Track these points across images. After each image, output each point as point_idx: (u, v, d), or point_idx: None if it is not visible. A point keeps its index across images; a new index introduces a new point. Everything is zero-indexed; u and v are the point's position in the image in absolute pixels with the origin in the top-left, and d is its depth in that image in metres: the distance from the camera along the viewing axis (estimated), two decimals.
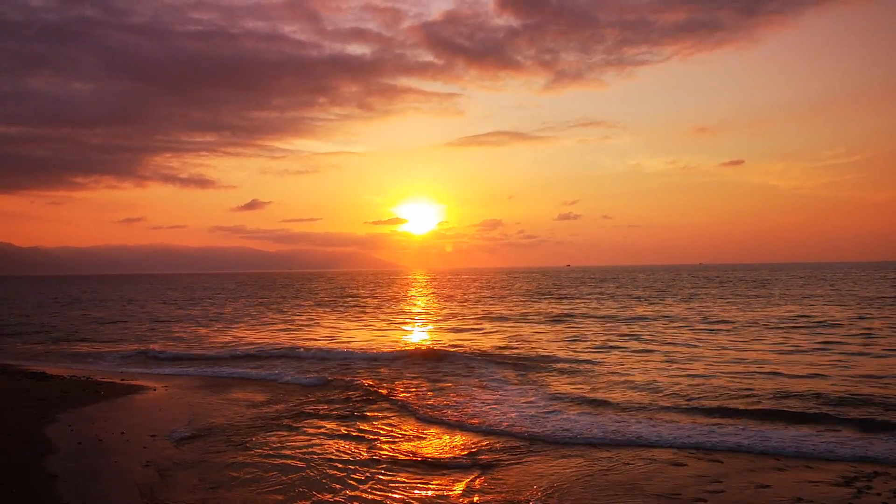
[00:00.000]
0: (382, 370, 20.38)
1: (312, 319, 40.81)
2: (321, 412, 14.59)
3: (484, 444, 11.71)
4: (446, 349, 23.91)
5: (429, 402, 15.19)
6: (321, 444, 11.84)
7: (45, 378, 19.04)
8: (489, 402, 15.13)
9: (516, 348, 24.40)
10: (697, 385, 16.58)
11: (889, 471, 9.89)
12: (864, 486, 9.19)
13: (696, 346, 24.13)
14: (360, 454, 11.14)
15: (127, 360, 24.62)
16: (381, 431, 12.76)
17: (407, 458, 10.93)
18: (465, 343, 26.46)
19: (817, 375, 17.61)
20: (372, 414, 14.33)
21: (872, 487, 9.12)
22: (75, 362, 24.04)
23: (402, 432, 12.71)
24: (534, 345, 25.36)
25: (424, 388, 17.07)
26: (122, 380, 19.43)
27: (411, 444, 11.84)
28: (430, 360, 21.62)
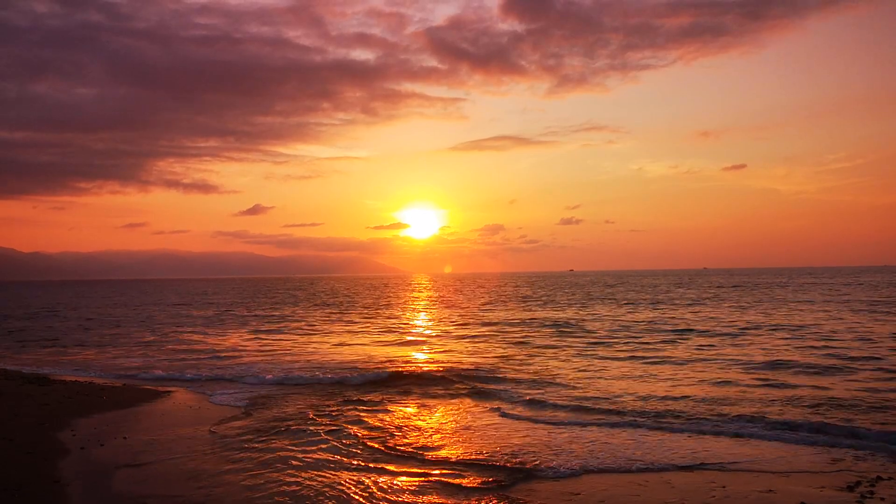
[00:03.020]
0: (347, 392, 17.81)
1: (299, 328, 40.69)
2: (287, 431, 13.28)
3: (459, 476, 10.19)
4: (427, 367, 21.71)
5: (395, 431, 13.21)
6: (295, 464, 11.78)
7: (46, 383, 19.04)
8: (465, 428, 13.46)
9: (504, 364, 21.87)
10: (694, 397, 16.56)
11: (893, 475, 9.89)
12: (866, 490, 9.19)
13: (693, 357, 24.09)
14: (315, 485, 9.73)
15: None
16: (335, 466, 10.77)
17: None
18: (447, 358, 23.89)
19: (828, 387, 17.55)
20: (331, 449, 11.82)
21: (875, 492, 9.11)
22: (75, 368, 24.01)
23: (364, 466, 10.87)
24: (526, 359, 23.13)
25: (392, 415, 14.87)
26: (125, 385, 19.44)
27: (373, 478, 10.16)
28: (406, 381, 19.35)
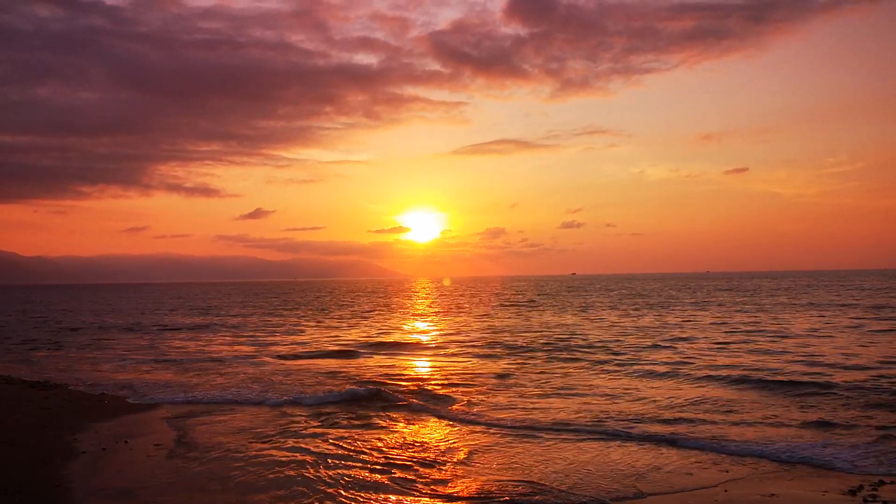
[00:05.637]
0: (318, 409, 15.81)
1: (289, 335, 40.59)
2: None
3: None
4: (409, 382, 19.67)
5: (374, 452, 11.88)
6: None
7: (48, 387, 19.06)
8: (450, 449, 11.97)
9: (490, 376, 20.32)
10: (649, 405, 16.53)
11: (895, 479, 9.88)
12: (868, 494, 9.18)
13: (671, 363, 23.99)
14: None
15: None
16: None
17: None
18: (431, 372, 22.05)
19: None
20: None
21: (878, 496, 9.10)
22: (77, 373, 23.99)
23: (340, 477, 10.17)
24: (511, 372, 21.23)
25: (363, 435, 13.25)
26: (125, 391, 19.43)
27: None
28: (383, 399, 17.20)
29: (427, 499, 9.43)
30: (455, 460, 11.36)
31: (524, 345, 28.74)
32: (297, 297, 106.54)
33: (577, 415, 14.70)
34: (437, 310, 61.45)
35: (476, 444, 12.43)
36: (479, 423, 14.30)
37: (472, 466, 10.95)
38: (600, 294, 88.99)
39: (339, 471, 10.69)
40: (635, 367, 21.51)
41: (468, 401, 16.61)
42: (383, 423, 14.48)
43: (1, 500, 8.94)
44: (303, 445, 12.39)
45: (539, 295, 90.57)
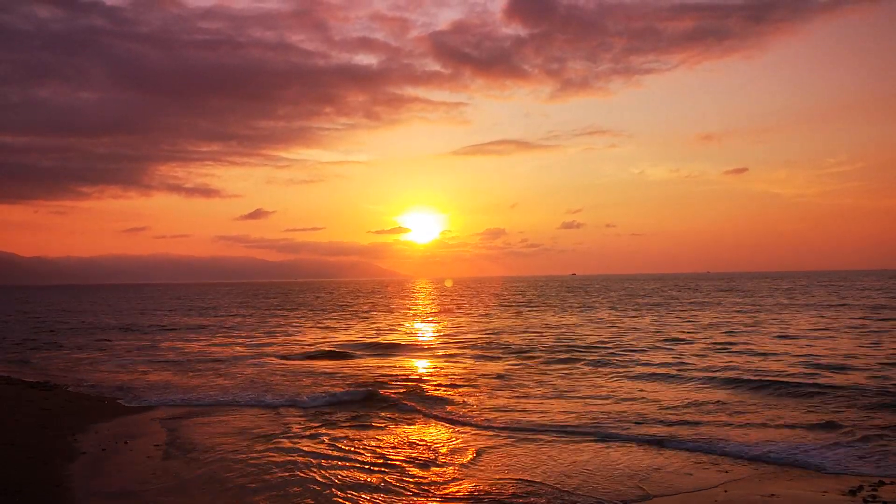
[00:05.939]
0: (314, 411, 16.20)
1: (283, 335, 40.56)
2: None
3: None
4: (399, 384, 19.25)
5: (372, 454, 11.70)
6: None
7: (48, 388, 19.05)
8: (452, 452, 11.95)
9: (485, 379, 20.72)
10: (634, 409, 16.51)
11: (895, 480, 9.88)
12: (868, 495, 9.18)
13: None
14: None
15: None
16: None
17: None
18: (426, 374, 22.63)
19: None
20: None
21: (878, 496, 9.10)
22: (77, 374, 23.98)
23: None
24: (506, 374, 22.24)
25: (360, 436, 13.08)
26: (123, 393, 19.42)
27: None
28: (377, 402, 16.97)
29: (424, 499, 9.44)
30: (453, 461, 11.36)
31: (524, 345, 28.65)
32: (297, 297, 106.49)
33: (577, 416, 14.69)
34: (436, 310, 61.40)
35: (475, 446, 12.41)
36: (478, 425, 14.28)
37: (471, 468, 10.97)
38: (600, 294, 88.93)
39: (336, 472, 10.71)
40: (635, 368, 21.44)
41: (467, 402, 16.56)
42: (381, 425, 14.47)
43: (1, 500, 8.94)
44: (300, 446, 12.40)
45: (539, 295, 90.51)
